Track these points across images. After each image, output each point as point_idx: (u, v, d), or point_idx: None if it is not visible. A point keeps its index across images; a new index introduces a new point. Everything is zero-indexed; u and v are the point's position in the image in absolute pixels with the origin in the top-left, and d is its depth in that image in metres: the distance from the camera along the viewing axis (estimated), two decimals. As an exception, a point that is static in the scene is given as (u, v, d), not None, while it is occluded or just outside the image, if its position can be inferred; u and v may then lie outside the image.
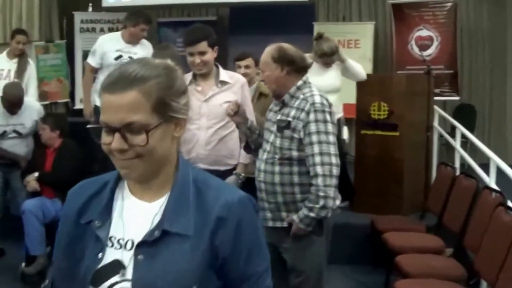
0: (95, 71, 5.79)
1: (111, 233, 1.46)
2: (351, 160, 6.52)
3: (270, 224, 3.38)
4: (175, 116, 1.44)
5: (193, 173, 1.50)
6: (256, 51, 4.28)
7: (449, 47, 8.78)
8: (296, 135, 3.27)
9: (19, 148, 5.65)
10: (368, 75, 6.00)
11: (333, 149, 3.23)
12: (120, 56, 5.57)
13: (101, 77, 5.57)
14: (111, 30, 8.93)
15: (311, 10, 9.40)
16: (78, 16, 9.56)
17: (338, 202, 3.34)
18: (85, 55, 7.17)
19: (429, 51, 8.73)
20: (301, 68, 3.39)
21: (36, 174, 5.29)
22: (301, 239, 3.29)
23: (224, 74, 3.99)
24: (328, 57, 5.49)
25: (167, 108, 1.42)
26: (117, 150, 1.39)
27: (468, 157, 5.95)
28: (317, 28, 8.57)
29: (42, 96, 8.03)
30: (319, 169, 3.19)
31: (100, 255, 1.44)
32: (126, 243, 1.44)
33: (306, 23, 8.97)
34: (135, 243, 1.43)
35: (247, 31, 8.81)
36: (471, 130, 7.52)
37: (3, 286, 5.04)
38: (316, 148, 3.20)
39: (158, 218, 1.44)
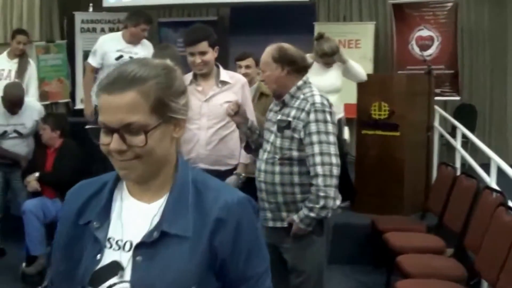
0: (96, 71, 5.79)
1: (110, 234, 1.45)
2: (352, 160, 6.52)
3: (271, 224, 3.38)
4: (174, 117, 1.43)
5: (193, 174, 1.49)
6: (256, 51, 4.28)
7: (449, 47, 8.78)
8: (296, 135, 3.27)
9: (20, 148, 5.65)
10: (368, 75, 6.01)
11: (333, 149, 3.23)
12: (121, 56, 5.57)
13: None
14: (111, 30, 8.92)
15: (311, 10, 9.39)
16: (78, 16, 9.56)
17: (338, 202, 3.34)
18: (86, 55, 7.17)
19: (430, 51, 8.72)
20: (301, 68, 3.39)
21: (37, 174, 5.29)
22: (302, 239, 3.29)
23: (225, 74, 3.98)
24: (329, 57, 5.49)
25: (166, 108, 1.41)
26: (115, 151, 1.38)
27: (468, 157, 5.95)
28: (318, 28, 8.56)
29: (42, 96, 8.03)
30: (319, 169, 3.19)
31: (98, 256, 1.43)
32: (124, 244, 1.44)
33: (307, 23, 8.97)
34: (134, 244, 1.42)
35: (248, 31, 8.81)
36: (472, 130, 7.51)
37: (3, 286, 5.05)
38: (316, 148, 3.20)
39: (157, 219, 1.43)
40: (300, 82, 3.37)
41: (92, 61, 5.74)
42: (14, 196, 5.78)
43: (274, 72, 3.36)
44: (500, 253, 3.45)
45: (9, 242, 5.49)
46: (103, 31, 9.14)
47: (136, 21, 5.67)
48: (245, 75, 4.60)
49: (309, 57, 4.84)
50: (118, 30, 7.60)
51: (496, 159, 4.78)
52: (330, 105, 3.33)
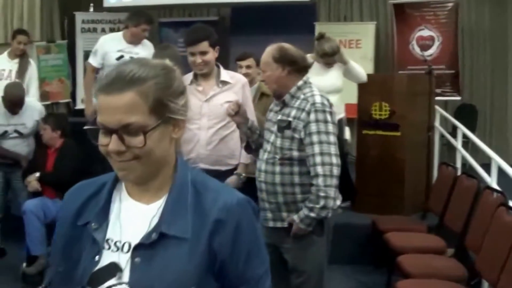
0: (97, 71, 5.78)
1: (108, 235, 1.45)
2: (353, 160, 6.51)
3: (271, 224, 3.38)
4: (173, 117, 1.42)
5: (192, 175, 1.48)
6: (257, 51, 4.28)
7: (450, 47, 8.77)
8: (296, 135, 3.27)
9: (20, 148, 5.66)
10: (369, 75, 6.00)
11: (333, 149, 3.23)
12: (121, 56, 5.56)
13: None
14: (112, 30, 8.92)
15: (312, 10, 9.39)
16: (79, 16, 9.56)
17: (338, 202, 3.34)
18: (87, 55, 7.18)
19: (430, 51, 8.72)
20: (302, 68, 3.39)
21: (37, 174, 5.29)
22: (302, 239, 3.29)
23: (225, 74, 3.98)
24: (330, 57, 5.49)
25: (165, 109, 1.40)
26: (114, 152, 1.37)
27: (469, 157, 5.95)
28: (319, 28, 8.56)
29: (43, 96, 8.04)
30: (319, 169, 3.18)
31: (97, 257, 1.43)
32: (123, 245, 1.43)
33: (308, 23, 8.96)
34: (132, 245, 1.41)
35: (249, 31, 8.81)
36: (472, 130, 7.51)
37: (4, 286, 5.05)
38: (316, 148, 3.20)
39: (155, 220, 1.42)
40: (300, 82, 3.36)
41: (93, 61, 5.74)
42: (14, 196, 5.78)
43: (275, 72, 3.36)
44: (501, 253, 3.45)
45: (9, 242, 5.49)
46: (103, 31, 9.13)
47: (137, 21, 5.66)
48: (245, 75, 4.60)
49: (309, 57, 4.84)
50: (118, 30, 7.59)
51: (497, 159, 4.78)
52: (331, 105, 3.33)
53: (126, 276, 1.40)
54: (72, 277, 1.44)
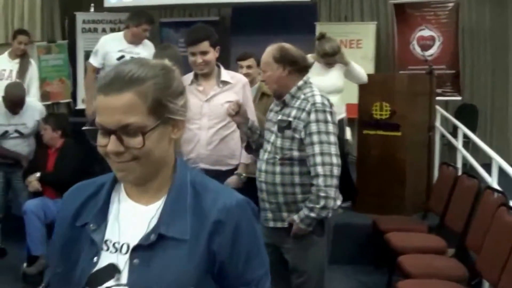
0: (97, 71, 5.78)
1: (107, 237, 1.44)
2: (353, 160, 6.51)
3: (271, 224, 3.38)
4: (172, 118, 1.41)
5: (191, 175, 1.47)
6: (258, 51, 4.27)
7: (451, 47, 8.77)
8: (297, 135, 3.27)
9: (21, 148, 5.66)
10: (370, 75, 6.00)
11: (334, 149, 3.22)
12: (122, 57, 5.56)
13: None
14: (113, 30, 8.92)
15: (313, 10, 9.38)
16: (80, 17, 9.56)
17: (339, 202, 3.33)
18: (87, 55, 7.17)
19: (431, 51, 8.72)
20: (302, 68, 3.38)
21: (38, 174, 5.29)
22: (302, 239, 3.29)
23: (226, 74, 3.98)
24: (330, 57, 5.49)
25: (164, 109, 1.39)
26: (113, 153, 1.36)
27: (470, 157, 5.95)
28: (319, 28, 8.56)
29: (44, 96, 8.05)
30: (319, 169, 3.18)
31: (95, 259, 1.42)
32: (121, 246, 1.42)
33: (308, 23, 8.95)
34: (131, 247, 1.41)
35: (249, 31, 8.81)
36: (473, 130, 7.51)
37: (4, 286, 5.05)
38: (317, 148, 3.20)
39: (154, 221, 1.41)
40: (300, 82, 3.36)
41: (94, 61, 5.74)
42: (15, 196, 5.78)
43: (275, 72, 3.35)
44: (502, 253, 3.45)
45: (10, 242, 5.49)
46: (104, 31, 9.13)
47: (137, 21, 5.66)
48: (246, 75, 4.60)
49: (310, 57, 4.85)
50: (119, 30, 7.60)
51: (498, 159, 4.78)
52: (331, 105, 3.32)
53: (124, 277, 1.39)
54: (71, 278, 1.44)
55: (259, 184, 3.41)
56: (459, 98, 8.84)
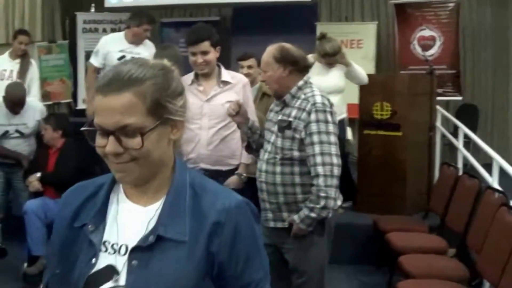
0: (98, 71, 5.78)
1: (105, 238, 1.43)
2: (354, 160, 6.51)
3: (272, 224, 3.37)
4: (171, 118, 1.40)
5: (190, 176, 1.46)
6: (258, 51, 4.27)
7: (451, 47, 8.76)
8: (297, 135, 3.26)
9: (22, 148, 5.67)
10: (370, 75, 6.00)
11: (334, 149, 3.22)
12: (123, 57, 5.56)
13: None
14: (113, 30, 8.92)
15: (313, 10, 9.38)
16: (80, 17, 9.55)
17: (339, 202, 3.33)
18: (88, 55, 7.18)
19: (432, 51, 8.71)
20: (303, 68, 3.38)
21: (39, 174, 5.29)
22: (303, 239, 3.29)
23: (226, 74, 3.98)
24: (331, 57, 5.49)
25: (163, 110, 1.38)
26: (111, 154, 1.36)
27: (470, 157, 5.94)
28: (320, 28, 8.55)
29: (45, 96, 8.06)
30: (320, 169, 3.18)
31: (93, 260, 1.41)
32: (120, 248, 1.41)
33: (309, 23, 8.95)
34: (129, 248, 1.40)
35: (250, 31, 8.80)
36: (474, 130, 7.50)
37: (5, 286, 5.05)
38: (317, 148, 3.20)
39: (153, 223, 1.40)
40: (301, 82, 3.36)
41: (94, 61, 5.74)
42: (15, 196, 5.79)
43: (276, 72, 3.35)
44: (502, 253, 3.45)
45: (10, 242, 5.48)
46: (105, 31, 9.12)
47: (138, 21, 5.67)
48: (247, 75, 4.60)
49: (311, 57, 4.85)
50: (120, 30, 7.60)
51: (498, 159, 4.77)
52: (331, 105, 3.32)
53: (123, 279, 1.38)
54: (69, 280, 1.43)
55: (260, 184, 3.40)
56: (459, 98, 8.83)
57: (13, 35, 6.44)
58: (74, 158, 5.28)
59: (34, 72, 6.30)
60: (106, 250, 1.42)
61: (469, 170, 5.81)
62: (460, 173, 5.28)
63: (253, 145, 3.61)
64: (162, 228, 1.39)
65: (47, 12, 9.22)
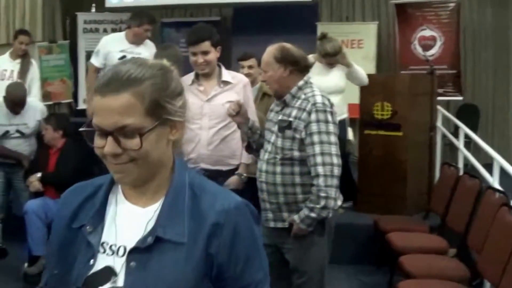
0: (99, 71, 5.78)
1: (104, 239, 1.42)
2: (355, 160, 6.51)
3: (272, 224, 3.37)
4: (170, 119, 1.39)
5: (190, 177, 1.45)
6: (259, 51, 4.27)
7: (452, 47, 8.76)
8: (297, 135, 3.26)
9: (22, 148, 5.67)
10: (371, 75, 6.01)
11: (334, 150, 3.22)
12: (124, 57, 5.55)
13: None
14: (114, 30, 8.92)
15: (314, 11, 9.37)
16: (81, 17, 9.56)
17: (339, 202, 3.33)
18: (88, 55, 7.19)
19: (432, 51, 8.71)
20: (303, 68, 3.38)
21: (39, 174, 5.29)
22: (303, 239, 3.28)
23: (227, 74, 3.98)
24: (331, 57, 5.49)
25: (162, 110, 1.37)
26: (110, 154, 1.35)
27: (471, 157, 5.94)
28: (320, 28, 8.55)
29: (45, 96, 8.06)
30: (320, 170, 3.18)
31: (91, 261, 1.40)
32: (118, 249, 1.40)
33: (309, 23, 8.95)
34: (128, 249, 1.39)
35: (250, 31, 8.80)
36: (475, 130, 7.50)
37: (5, 286, 5.06)
38: (317, 148, 3.19)
39: (151, 224, 1.39)
40: (301, 82, 3.35)
41: (95, 61, 5.74)
42: (16, 196, 5.79)
43: (277, 72, 3.35)
44: (503, 253, 3.45)
45: (11, 242, 5.48)
46: (105, 31, 9.13)
47: (139, 21, 5.67)
48: (247, 75, 4.60)
49: (311, 57, 4.85)
50: (120, 30, 7.61)
51: (499, 159, 4.77)
52: (332, 105, 3.32)
53: (121, 280, 1.37)
54: (67, 280, 1.42)
55: (260, 184, 3.40)
56: (460, 98, 8.83)
57: (14, 35, 6.44)
58: (75, 158, 5.28)
59: (34, 72, 6.30)
60: (104, 251, 1.41)
61: (470, 170, 5.81)
62: (461, 173, 5.28)
63: (253, 145, 3.60)
64: (161, 229, 1.38)
65: (48, 12, 9.22)
